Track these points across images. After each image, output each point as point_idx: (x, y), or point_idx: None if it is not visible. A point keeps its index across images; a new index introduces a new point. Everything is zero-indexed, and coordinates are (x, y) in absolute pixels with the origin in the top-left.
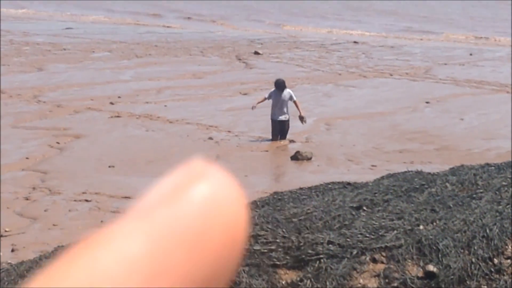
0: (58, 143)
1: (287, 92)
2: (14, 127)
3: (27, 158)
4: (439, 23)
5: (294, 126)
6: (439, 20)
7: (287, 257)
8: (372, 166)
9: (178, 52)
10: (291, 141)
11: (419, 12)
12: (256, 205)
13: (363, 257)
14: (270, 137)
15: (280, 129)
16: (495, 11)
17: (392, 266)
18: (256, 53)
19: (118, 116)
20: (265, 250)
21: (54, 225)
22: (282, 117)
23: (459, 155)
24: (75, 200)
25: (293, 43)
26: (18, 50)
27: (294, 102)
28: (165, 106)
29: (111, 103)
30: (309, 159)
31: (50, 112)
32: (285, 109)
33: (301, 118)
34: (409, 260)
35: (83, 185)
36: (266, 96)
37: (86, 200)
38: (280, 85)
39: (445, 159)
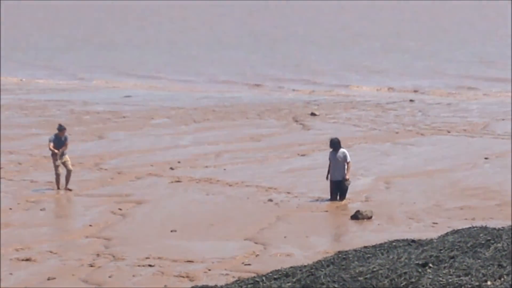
0: (120, 209)
1: (341, 152)
2: (77, 195)
3: (90, 225)
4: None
5: (354, 185)
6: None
7: None
8: (434, 223)
9: (235, 116)
10: (350, 200)
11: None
12: (321, 265)
13: None
14: (329, 197)
15: (339, 189)
16: None
17: None
18: (313, 114)
19: (178, 181)
20: None
21: None
22: (339, 177)
23: None
24: (138, 266)
25: (349, 103)
26: (79, 119)
27: (347, 163)
28: (224, 169)
29: (171, 168)
30: (369, 218)
31: (112, 179)
32: (342, 169)
33: (345, 181)
34: None
35: (146, 250)
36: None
37: (150, 265)
38: (334, 144)
39: (507, 214)
